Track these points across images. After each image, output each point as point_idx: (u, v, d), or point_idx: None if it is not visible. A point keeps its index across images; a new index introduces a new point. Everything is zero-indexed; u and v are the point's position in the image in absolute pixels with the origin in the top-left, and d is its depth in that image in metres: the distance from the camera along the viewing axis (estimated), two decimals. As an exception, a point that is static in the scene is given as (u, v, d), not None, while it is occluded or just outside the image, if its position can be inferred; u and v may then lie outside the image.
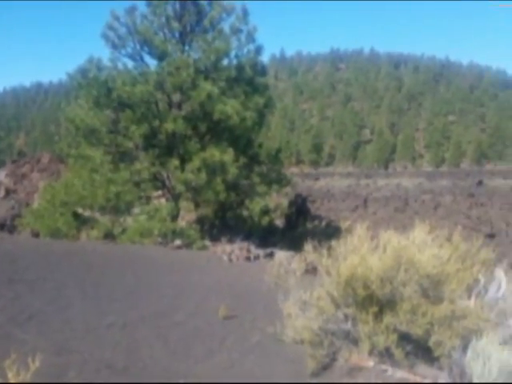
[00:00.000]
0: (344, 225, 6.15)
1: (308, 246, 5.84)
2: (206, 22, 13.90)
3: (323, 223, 20.85)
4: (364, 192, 43.79)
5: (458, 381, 3.73)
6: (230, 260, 9.27)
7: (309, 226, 19.10)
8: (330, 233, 15.35)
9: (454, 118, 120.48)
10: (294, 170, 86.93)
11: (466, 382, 3.57)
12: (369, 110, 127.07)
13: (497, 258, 9.04)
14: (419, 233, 5.76)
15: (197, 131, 13.84)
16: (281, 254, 10.33)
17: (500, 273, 6.21)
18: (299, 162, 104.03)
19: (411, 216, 26.36)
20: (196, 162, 12.49)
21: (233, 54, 14.47)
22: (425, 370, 4.22)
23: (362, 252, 5.05)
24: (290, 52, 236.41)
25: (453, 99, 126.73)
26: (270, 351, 4.60)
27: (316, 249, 5.80)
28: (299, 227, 18.60)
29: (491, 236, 21.20)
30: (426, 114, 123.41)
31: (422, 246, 5.37)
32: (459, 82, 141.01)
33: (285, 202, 20.52)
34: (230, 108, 12.98)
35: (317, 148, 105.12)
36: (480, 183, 49.53)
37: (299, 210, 20.81)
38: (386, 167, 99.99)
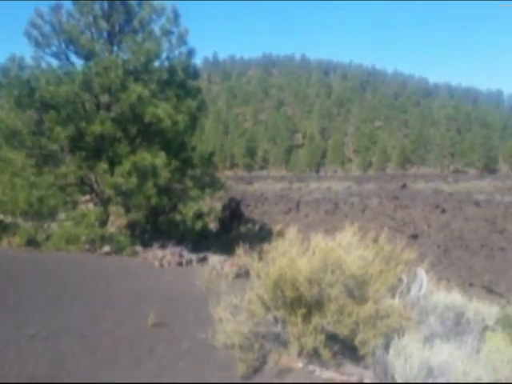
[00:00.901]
0: (276, 228, 6.23)
1: (239, 250, 5.87)
2: (135, 23, 13.59)
3: (257, 226, 21.01)
4: (296, 195, 44.74)
5: (382, 378, 3.87)
6: (162, 266, 9.10)
7: (242, 229, 19.17)
8: (263, 236, 15.48)
9: (380, 124, 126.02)
10: (229, 173, 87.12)
11: (390, 379, 3.71)
12: (300, 115, 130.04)
13: (419, 258, 9.53)
14: (346, 235, 5.95)
15: (127, 134, 13.46)
16: (214, 259, 10.30)
17: (422, 272, 6.53)
18: (233, 165, 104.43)
19: (341, 218, 27.19)
20: (126, 166, 12.15)
21: (164, 56, 14.30)
22: (351, 369, 4.35)
23: (292, 254, 5.14)
24: (222, 56, 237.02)
25: (379, 106, 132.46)
26: (201, 357, 4.55)
27: (248, 252, 5.83)
28: (233, 231, 18.63)
29: (414, 237, 22.31)
30: (354, 119, 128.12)
31: (348, 248, 5.55)
32: (384, 90, 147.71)
33: (218, 206, 20.48)
34: (161, 111, 12.77)
35: (251, 152, 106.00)
36: (404, 186, 52.12)
37: (233, 214, 20.84)
38: (318, 171, 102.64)
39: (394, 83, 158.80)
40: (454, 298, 5.41)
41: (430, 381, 3.33)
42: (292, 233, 5.69)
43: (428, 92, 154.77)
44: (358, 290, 4.86)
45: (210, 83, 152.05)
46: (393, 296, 5.90)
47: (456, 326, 4.98)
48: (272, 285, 4.77)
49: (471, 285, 15.09)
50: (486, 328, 5.14)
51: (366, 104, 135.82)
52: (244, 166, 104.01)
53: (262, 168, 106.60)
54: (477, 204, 33.40)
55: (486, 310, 5.43)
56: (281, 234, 6.01)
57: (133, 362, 4.42)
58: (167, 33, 14.00)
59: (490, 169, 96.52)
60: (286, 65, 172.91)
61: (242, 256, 5.68)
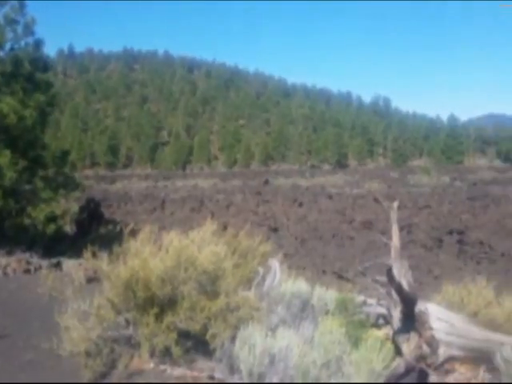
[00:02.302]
0: (128, 228, 6.06)
1: (87, 254, 5.63)
2: (-27, 10, 12.27)
3: (118, 227, 20.23)
4: (162, 193, 44.15)
5: (230, 370, 4.01)
6: (6, 274, 8.33)
7: (102, 231, 18.33)
8: (123, 237, 14.96)
9: (244, 122, 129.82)
10: (89, 172, 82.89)
11: (236, 369, 3.86)
12: (165, 112, 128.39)
13: (278, 250, 10.00)
14: (199, 232, 6.05)
15: (-36, 131, 12.11)
16: (69, 263, 9.75)
17: (275, 263, 6.89)
18: (94, 164, 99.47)
19: (206, 215, 27.29)
20: (-37, 166, 10.93)
21: (8, 46, 13.14)
22: (203, 364, 4.43)
23: (144, 254, 5.08)
24: (79, 48, 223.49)
25: (242, 105, 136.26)
26: (45, 367, 4.28)
27: (102, 255, 5.61)
28: (92, 233, 17.73)
29: (275, 230, 23.35)
30: (219, 117, 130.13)
31: (202, 245, 5.65)
32: (247, 89, 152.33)
33: (75, 207, 19.33)
34: (5, 106, 11.75)
35: (113, 150, 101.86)
36: (266, 182, 54.45)
37: (92, 215, 19.79)
38: (184, 169, 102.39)
39: (256, 83, 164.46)
40: (300, 286, 5.80)
41: (272, 368, 3.54)
42: (144, 233, 5.63)
43: (287, 92, 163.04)
44: (210, 286, 4.97)
45: (65, 77, 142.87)
46: (249, 288, 6.15)
47: (301, 312, 5.35)
48: (123, 286, 4.67)
49: (324, 272, 16.25)
50: (327, 312, 5.61)
51: (230, 102, 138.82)
52: (106, 164, 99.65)
53: (125, 166, 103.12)
54: (330, 197, 36.12)
55: (328, 295, 5.92)
56: (135, 233, 5.90)
57: (-35, 382, 4.01)
58: (11, 22, 12.89)
59: (341, 164, 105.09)
60: (149, 60, 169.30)
61: (92, 259, 5.44)
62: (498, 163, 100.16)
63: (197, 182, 56.90)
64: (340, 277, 15.59)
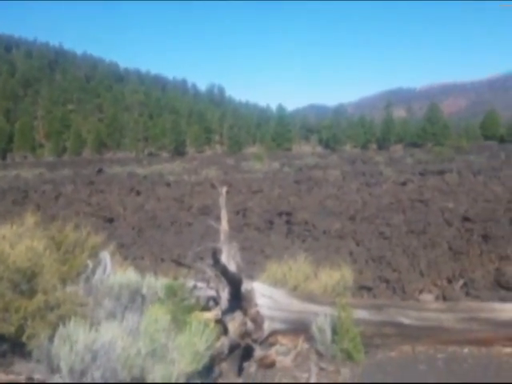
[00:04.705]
0: None
1: None
2: None
3: None
4: (-23, 186, 39.27)
5: (50, 370, 3.76)
6: None
7: None
8: None
9: (73, 107, 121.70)
10: None
11: (56, 368, 3.64)
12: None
13: (113, 241, 9.58)
14: (14, 226, 5.53)
15: None
16: None
17: (106, 255, 6.62)
18: None
19: (31, 208, 25.09)
20: None
21: None
22: (21, 367, 4.09)
23: None
24: None
25: (70, 88, 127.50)
26: None
27: None
28: None
29: (110, 220, 22.47)
30: (43, 101, 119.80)
31: (17, 240, 5.16)
32: (75, 72, 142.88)
33: None
34: None
35: None
36: (100, 171, 51.93)
37: None
38: (4, 158, 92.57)
39: (85, 66, 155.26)
40: (130, 276, 5.67)
41: (94, 363, 3.39)
42: None
43: (119, 77, 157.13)
44: (25, 284, 4.58)
45: None
46: (77, 283, 5.81)
47: (131, 303, 5.23)
48: None
49: (162, 260, 16.12)
50: (158, 300, 5.58)
51: (56, 85, 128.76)
52: None
53: None
54: (168, 185, 35.91)
55: (158, 283, 5.89)
56: None
57: None
58: None
59: (179, 151, 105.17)
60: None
61: None
62: (319, 150, 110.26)
63: (19, 172, 51.63)
64: (178, 263, 15.67)
